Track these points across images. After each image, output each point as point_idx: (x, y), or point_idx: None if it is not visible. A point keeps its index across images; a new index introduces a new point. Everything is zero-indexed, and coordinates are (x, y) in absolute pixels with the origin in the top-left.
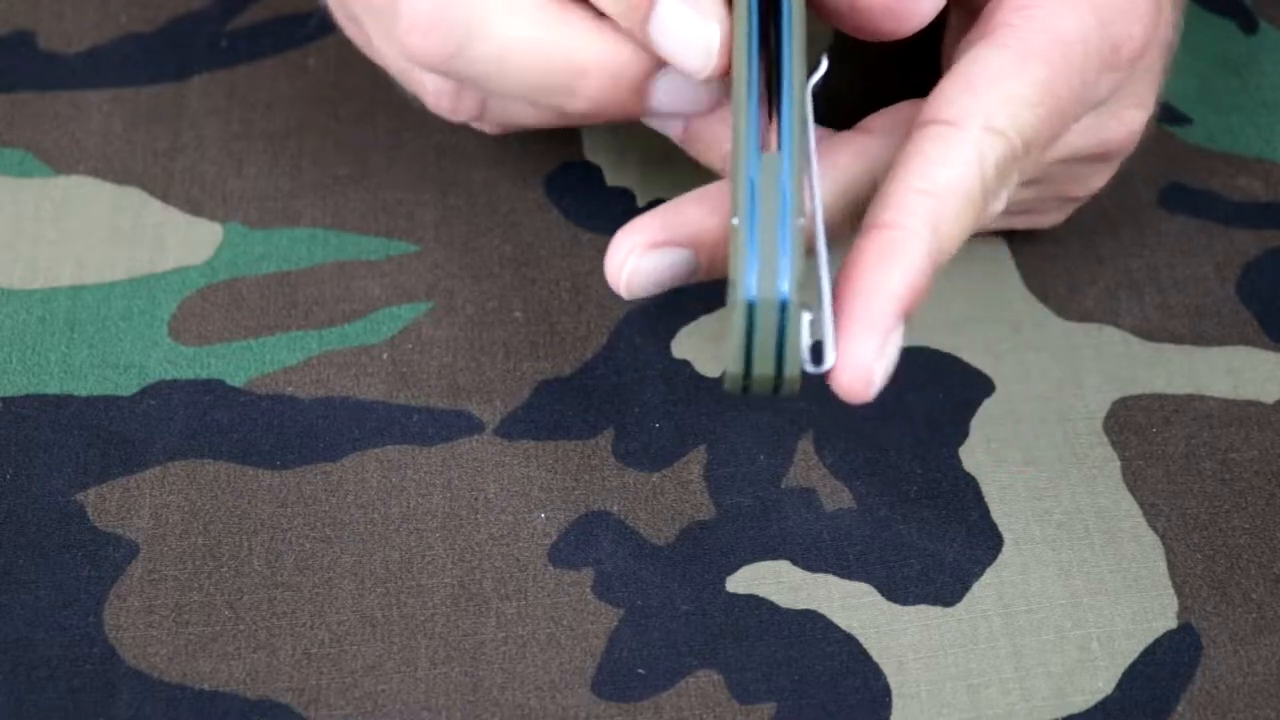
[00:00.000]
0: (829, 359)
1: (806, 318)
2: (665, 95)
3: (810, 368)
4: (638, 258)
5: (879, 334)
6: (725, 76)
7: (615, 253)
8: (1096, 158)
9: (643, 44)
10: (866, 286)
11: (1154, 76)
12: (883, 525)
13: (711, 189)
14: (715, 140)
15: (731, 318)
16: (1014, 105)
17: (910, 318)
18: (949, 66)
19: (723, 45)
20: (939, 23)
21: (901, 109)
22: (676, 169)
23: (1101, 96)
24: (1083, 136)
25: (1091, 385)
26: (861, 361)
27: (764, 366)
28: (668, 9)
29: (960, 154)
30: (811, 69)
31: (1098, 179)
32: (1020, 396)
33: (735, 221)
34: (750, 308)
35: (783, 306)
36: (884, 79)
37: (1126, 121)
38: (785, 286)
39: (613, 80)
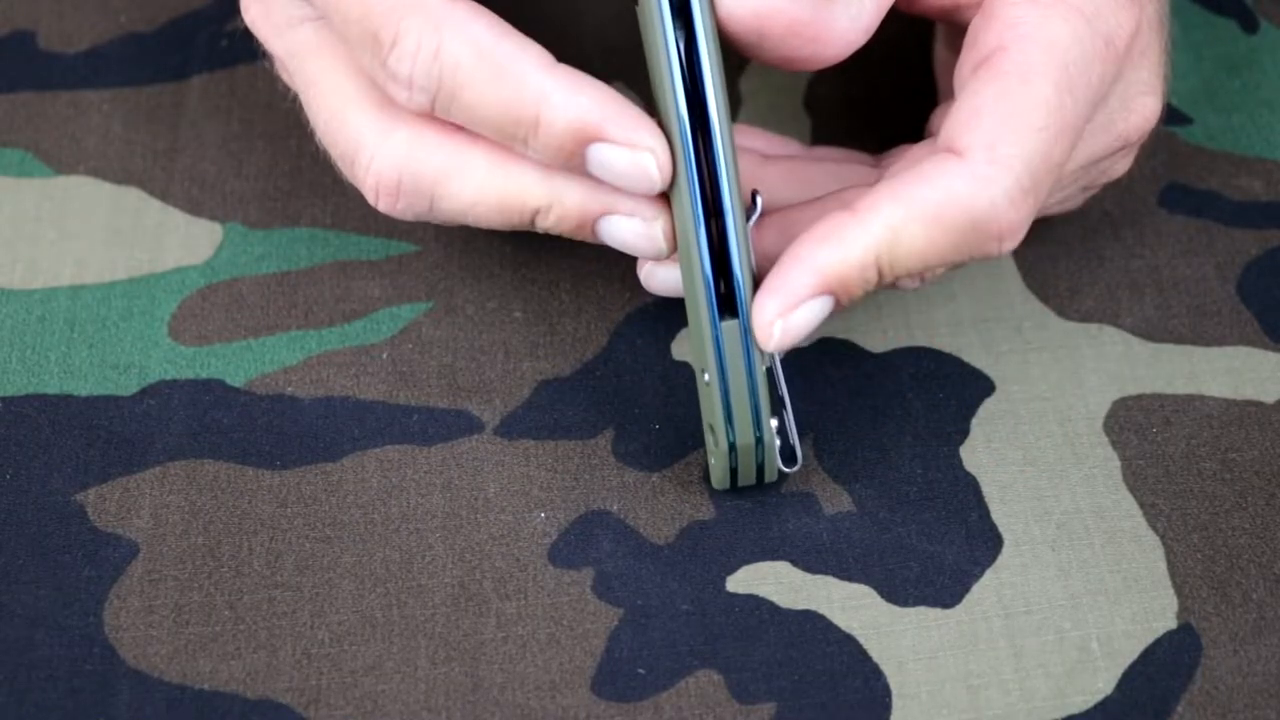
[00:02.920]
0: (799, 460)
1: (774, 424)
2: (614, 235)
3: (784, 468)
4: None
5: (785, 299)
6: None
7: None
8: (1115, 151)
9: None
10: (798, 254)
11: (1153, 57)
12: (882, 527)
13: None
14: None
15: (715, 457)
16: (1017, 133)
17: (840, 302)
18: (943, 80)
19: (663, 164)
20: (927, 34)
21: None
22: None
23: (1105, 93)
24: (1098, 138)
25: (1091, 385)
26: (763, 320)
27: (747, 480)
28: (598, 150)
29: (953, 181)
30: (747, 205)
31: (1119, 167)
32: (1020, 396)
33: (707, 379)
34: (732, 448)
35: (759, 441)
36: (880, 90)
37: (1138, 110)
38: (759, 432)
39: (568, 217)
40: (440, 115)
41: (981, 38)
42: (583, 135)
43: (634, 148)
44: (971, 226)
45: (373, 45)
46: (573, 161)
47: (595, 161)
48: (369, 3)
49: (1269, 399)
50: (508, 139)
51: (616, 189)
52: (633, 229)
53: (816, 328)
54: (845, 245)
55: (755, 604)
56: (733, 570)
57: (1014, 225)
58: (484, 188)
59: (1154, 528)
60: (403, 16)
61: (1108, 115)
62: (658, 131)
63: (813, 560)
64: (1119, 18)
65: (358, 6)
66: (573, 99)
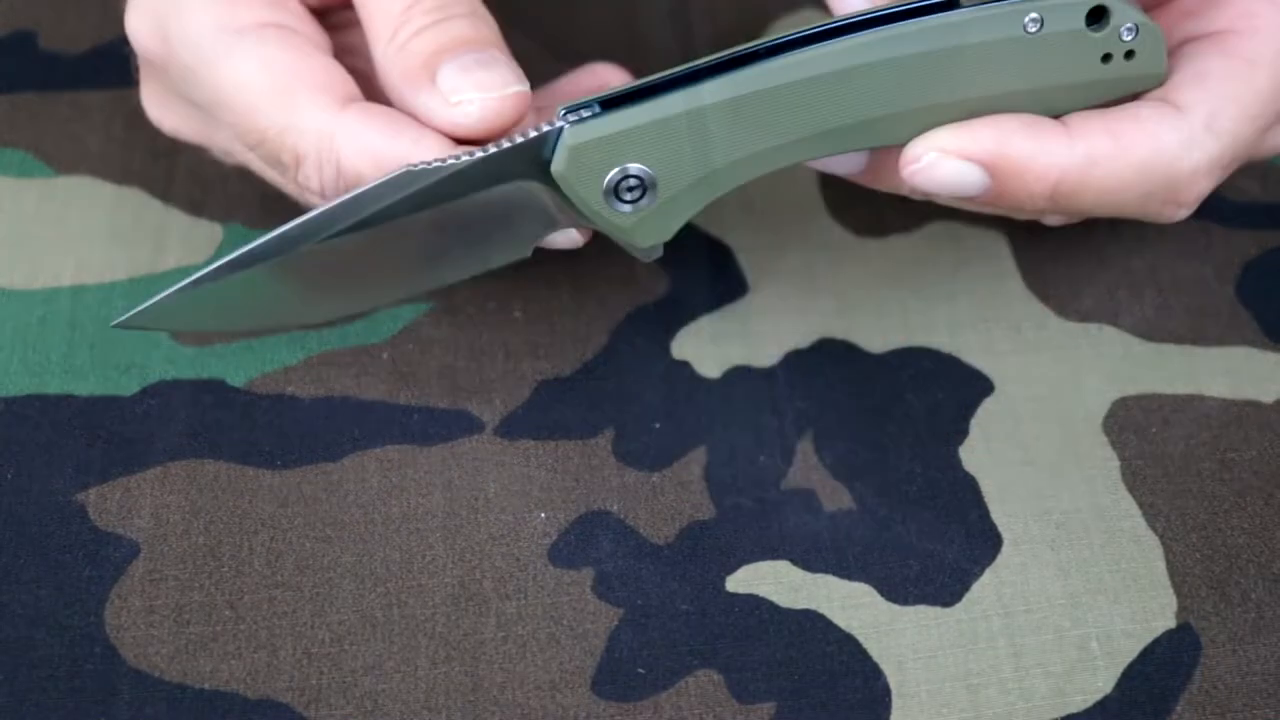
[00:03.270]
0: None
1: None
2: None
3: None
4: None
5: (958, 143)
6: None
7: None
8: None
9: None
10: (999, 122)
11: None
12: (882, 526)
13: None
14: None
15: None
16: (1237, 111)
17: (992, 192)
18: None
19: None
20: None
21: None
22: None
23: None
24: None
25: (1091, 385)
26: (924, 144)
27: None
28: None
29: (1168, 133)
30: None
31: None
32: (1020, 396)
33: None
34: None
35: None
36: None
37: None
38: None
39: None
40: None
41: (1210, 14)
42: None
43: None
44: (1167, 184)
45: (278, 166)
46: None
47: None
48: (263, 129)
49: (1267, 399)
50: None
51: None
52: None
53: (950, 190)
54: (1043, 148)
55: (755, 604)
56: (733, 570)
57: (1200, 195)
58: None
59: (1153, 527)
60: (297, 139)
61: None
62: None
63: (813, 559)
64: None
65: (254, 134)
66: None
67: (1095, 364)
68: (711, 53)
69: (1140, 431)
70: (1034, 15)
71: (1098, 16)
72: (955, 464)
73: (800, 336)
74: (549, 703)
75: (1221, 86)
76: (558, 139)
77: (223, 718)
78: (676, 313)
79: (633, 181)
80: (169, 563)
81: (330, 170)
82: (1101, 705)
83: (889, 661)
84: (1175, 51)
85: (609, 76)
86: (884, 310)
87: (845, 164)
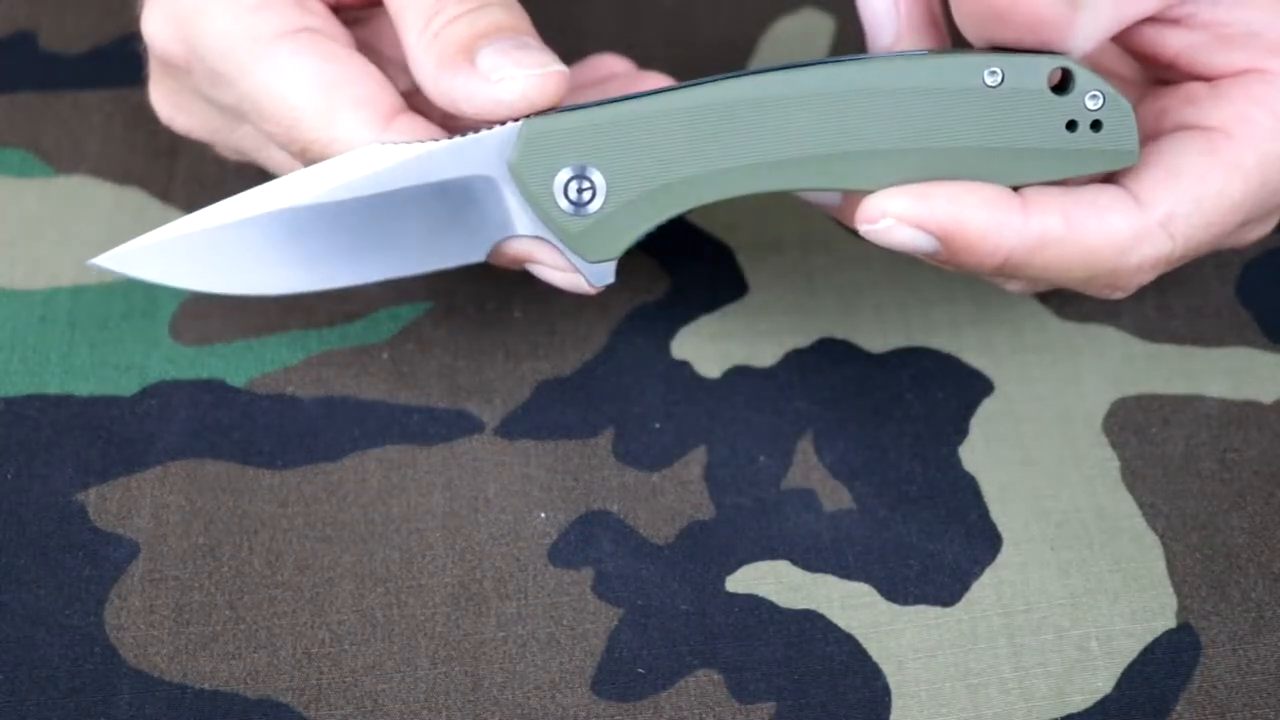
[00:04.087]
0: None
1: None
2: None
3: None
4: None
5: (912, 210)
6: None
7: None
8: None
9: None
10: (956, 192)
11: None
12: (882, 525)
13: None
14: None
15: None
16: (1198, 218)
17: (942, 255)
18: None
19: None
20: None
21: None
22: None
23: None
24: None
25: (1091, 385)
26: (879, 205)
27: None
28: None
29: (1122, 224)
30: None
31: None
32: (1020, 396)
33: None
34: None
35: None
36: None
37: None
38: None
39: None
40: None
41: (1210, 107)
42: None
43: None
44: (1111, 271)
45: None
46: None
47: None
48: (308, 140)
49: (1267, 399)
50: None
51: None
52: None
53: (903, 249)
54: (996, 223)
55: (755, 604)
56: (733, 570)
57: (1140, 285)
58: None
59: (1153, 527)
60: (343, 151)
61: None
62: None
63: (812, 558)
64: None
65: (297, 143)
66: None
67: (1095, 364)
68: (713, 53)
69: (1140, 432)
70: (994, 68)
71: (1063, 82)
72: (955, 464)
73: (800, 336)
74: (549, 703)
75: (1191, 188)
76: (519, 133)
77: (223, 718)
78: (676, 313)
79: (585, 183)
80: (169, 563)
81: None
82: (1101, 705)
83: (889, 661)
84: (1166, 136)
85: (614, 66)
86: (884, 310)
87: (823, 198)
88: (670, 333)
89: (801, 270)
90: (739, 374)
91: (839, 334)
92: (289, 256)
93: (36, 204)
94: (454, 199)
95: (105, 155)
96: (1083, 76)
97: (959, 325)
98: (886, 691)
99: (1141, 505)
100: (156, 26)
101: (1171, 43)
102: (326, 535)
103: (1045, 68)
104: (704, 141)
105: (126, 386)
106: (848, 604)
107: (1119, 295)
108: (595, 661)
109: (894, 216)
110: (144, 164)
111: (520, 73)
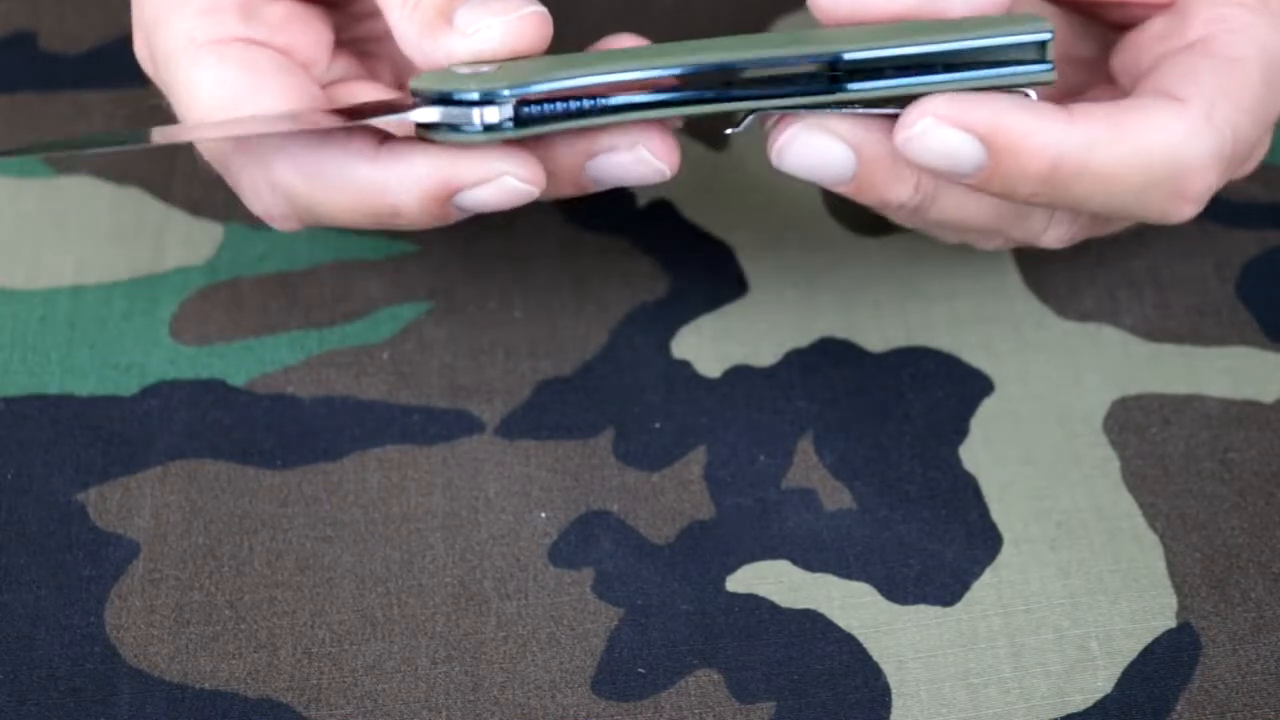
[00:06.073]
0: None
1: None
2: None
3: None
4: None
5: (954, 111)
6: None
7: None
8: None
9: None
10: (994, 97)
11: None
12: (882, 525)
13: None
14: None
15: None
16: (1232, 104)
17: (986, 170)
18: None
19: (528, 175)
20: None
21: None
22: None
23: None
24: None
25: (1091, 385)
26: (921, 110)
27: None
28: (466, 198)
29: (1171, 122)
30: None
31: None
32: (1020, 396)
33: None
34: None
35: None
36: None
37: None
38: None
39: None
40: (319, 226)
41: (1180, 31)
42: (442, 196)
43: (492, 180)
44: (1169, 176)
45: (233, 188)
46: (451, 213)
47: (470, 205)
48: (209, 152)
49: (1268, 399)
50: (383, 225)
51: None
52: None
53: (943, 164)
54: (1042, 125)
55: (755, 603)
56: (733, 570)
57: (1207, 191)
58: (351, 209)
59: (1153, 527)
60: (228, 163)
61: None
62: (507, 152)
63: (813, 558)
64: None
65: (203, 158)
66: (410, 178)
67: (1095, 364)
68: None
69: (1140, 431)
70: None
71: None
72: (955, 464)
73: (800, 336)
74: (549, 702)
75: (1213, 80)
76: None
77: (223, 717)
78: (676, 312)
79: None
80: (169, 562)
81: (266, 194)
82: (1101, 705)
83: (889, 661)
84: (1157, 65)
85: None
86: (884, 310)
87: (832, 168)
88: (670, 332)
89: (801, 270)
90: (739, 373)
91: (839, 334)
92: None
93: (36, 204)
94: None
95: (106, 155)
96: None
97: (959, 324)
98: (886, 691)
99: (1141, 505)
100: (137, 45)
101: None
102: (326, 535)
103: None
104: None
105: (126, 386)
106: (848, 604)
107: (1188, 210)
108: (595, 661)
109: (934, 115)
110: (144, 164)
111: (497, 20)
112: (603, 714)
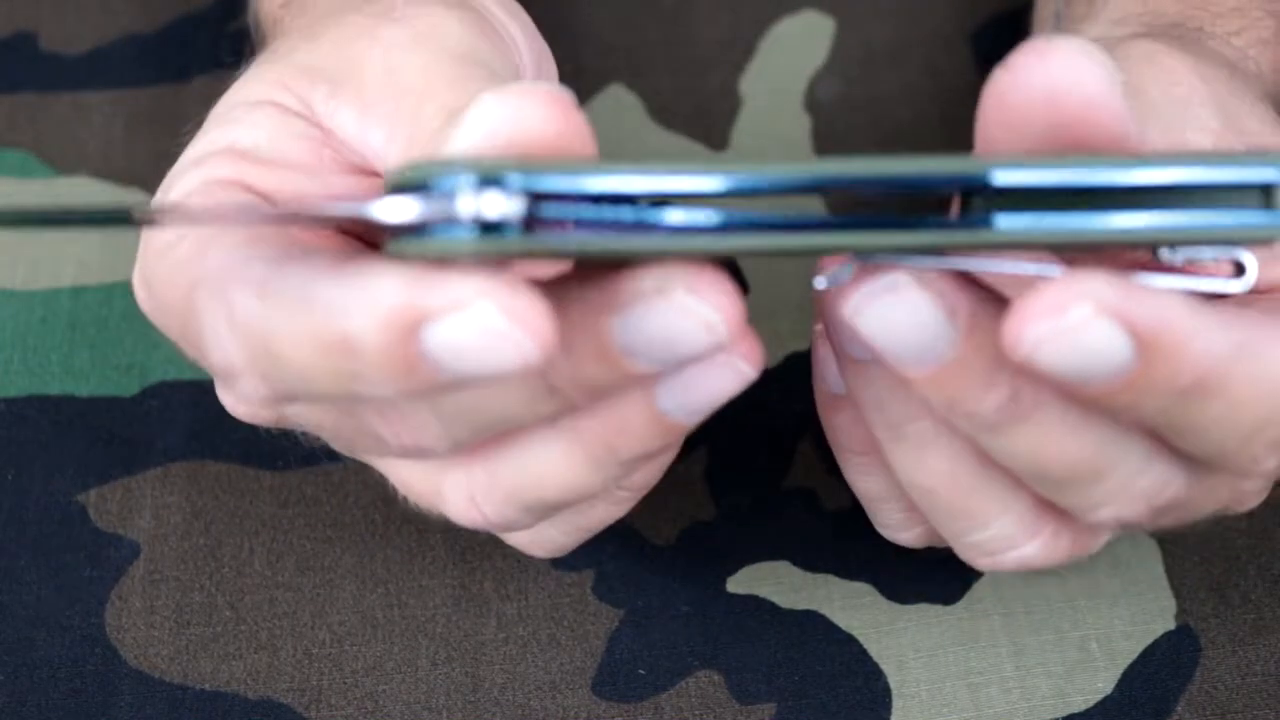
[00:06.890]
0: None
1: None
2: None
3: None
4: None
5: (1098, 293)
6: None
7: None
8: None
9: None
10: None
11: None
12: None
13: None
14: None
15: None
16: None
17: (1136, 370)
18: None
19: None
20: (928, 36)
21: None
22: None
23: None
24: None
25: None
26: (1044, 302)
27: None
28: (435, 335)
29: None
30: None
31: None
32: None
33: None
34: None
35: None
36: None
37: None
38: None
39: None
40: (283, 396)
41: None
42: (403, 325)
43: (465, 307)
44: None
45: (191, 350)
46: (419, 366)
47: (440, 352)
48: (174, 308)
49: None
50: (346, 399)
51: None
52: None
53: (1074, 370)
54: (1200, 325)
55: (755, 604)
56: (733, 570)
57: None
58: (311, 342)
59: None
60: (192, 301)
61: None
62: (502, 274)
63: (813, 558)
64: None
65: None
66: (366, 298)
67: None
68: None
69: None
70: None
71: None
72: None
73: (800, 337)
74: (549, 703)
75: None
76: None
77: (223, 718)
78: None
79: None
80: (169, 563)
81: (227, 339)
82: (1102, 705)
83: (889, 661)
84: None
85: None
86: None
87: (917, 343)
88: None
89: (802, 270)
90: None
91: None
92: None
93: (36, 204)
94: None
95: (105, 155)
96: None
97: None
98: (887, 691)
99: None
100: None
101: None
102: (327, 536)
103: None
104: None
105: (127, 387)
106: (848, 604)
107: (1272, 463)
108: (596, 662)
109: (1095, 303)
110: (145, 165)
111: (493, 96)
112: (603, 715)
